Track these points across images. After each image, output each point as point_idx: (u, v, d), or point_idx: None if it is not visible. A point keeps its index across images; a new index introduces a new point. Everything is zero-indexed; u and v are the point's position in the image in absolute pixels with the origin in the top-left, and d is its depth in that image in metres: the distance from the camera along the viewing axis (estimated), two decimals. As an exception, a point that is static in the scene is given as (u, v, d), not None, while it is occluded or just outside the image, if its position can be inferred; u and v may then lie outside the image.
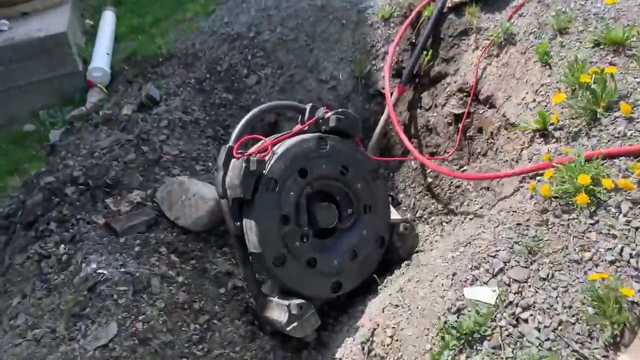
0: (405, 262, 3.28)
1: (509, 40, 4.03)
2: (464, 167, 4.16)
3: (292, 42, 5.15)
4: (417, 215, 4.21)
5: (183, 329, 3.27)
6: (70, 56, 6.44)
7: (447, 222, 3.96)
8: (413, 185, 4.44)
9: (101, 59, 6.39)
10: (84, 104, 6.05)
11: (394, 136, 4.75)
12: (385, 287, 3.24)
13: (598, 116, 2.99)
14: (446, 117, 4.33)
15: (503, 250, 2.66)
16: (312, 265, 3.15)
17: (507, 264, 2.59)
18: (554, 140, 3.24)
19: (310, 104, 3.47)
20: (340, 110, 3.35)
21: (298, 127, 3.49)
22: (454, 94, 4.33)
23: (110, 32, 7.18)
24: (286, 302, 2.99)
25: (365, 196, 3.38)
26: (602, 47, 3.42)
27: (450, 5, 4.47)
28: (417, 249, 3.60)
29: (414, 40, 4.68)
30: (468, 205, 3.92)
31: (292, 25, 5.23)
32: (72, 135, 5.52)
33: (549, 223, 2.66)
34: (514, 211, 2.86)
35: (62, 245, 3.78)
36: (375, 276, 3.34)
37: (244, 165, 2.94)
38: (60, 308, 3.35)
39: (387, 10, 4.81)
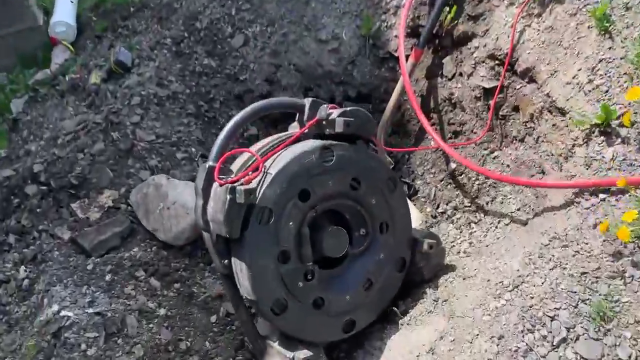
0: (433, 296, 2.71)
1: (555, -4, 3.22)
2: (495, 153, 3.49)
3: (283, -9, 4.29)
4: (439, 210, 3.59)
5: (169, 378, 2.78)
6: (28, 8, 5.53)
7: (475, 223, 3.35)
8: (433, 170, 3.78)
9: (65, 10, 5.48)
10: (48, 65, 5.26)
11: (410, 109, 4.02)
12: (408, 324, 2.69)
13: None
14: (474, 90, 3.59)
15: (564, 309, 2.08)
16: (319, 306, 2.59)
17: (572, 330, 2.02)
18: (620, 140, 2.57)
19: (310, 99, 2.75)
20: (349, 109, 2.63)
21: (295, 130, 2.80)
22: (483, 61, 3.56)
23: (73, -26, 6.20)
24: (290, 355, 2.45)
25: (381, 212, 2.75)
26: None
27: (479, -53, 3.58)
28: (444, 263, 3.02)
29: (432, -8, 3.83)
30: (502, 202, 3.29)
31: (283, -31, 4.33)
32: (36, 107, 4.80)
33: (627, 276, 2.05)
34: (575, 252, 2.24)
35: (23, 267, 3.21)
36: (395, 309, 2.79)
37: (228, 197, 2.28)
38: (22, 352, 2.83)
39: (398, -47, 3.93)
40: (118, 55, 4.43)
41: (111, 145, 3.74)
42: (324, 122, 2.67)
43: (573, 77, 2.97)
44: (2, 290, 3.13)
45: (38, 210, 3.46)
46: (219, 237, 2.44)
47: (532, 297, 2.19)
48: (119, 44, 4.83)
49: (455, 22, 3.70)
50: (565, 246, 2.32)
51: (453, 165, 3.64)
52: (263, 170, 2.47)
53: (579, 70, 2.95)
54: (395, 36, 3.98)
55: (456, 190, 3.60)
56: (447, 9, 3.68)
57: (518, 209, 3.15)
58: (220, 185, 2.36)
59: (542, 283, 2.22)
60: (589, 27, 3.01)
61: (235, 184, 2.34)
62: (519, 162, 3.29)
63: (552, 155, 3.03)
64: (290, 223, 2.47)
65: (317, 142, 2.59)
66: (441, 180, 3.71)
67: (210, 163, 2.48)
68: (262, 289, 2.43)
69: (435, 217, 3.57)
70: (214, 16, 4.43)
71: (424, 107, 3.86)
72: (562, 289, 2.13)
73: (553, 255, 2.31)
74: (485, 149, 3.55)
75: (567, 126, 2.95)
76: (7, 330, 2.97)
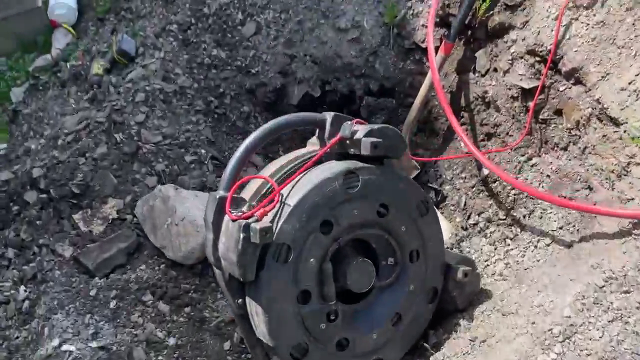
0: (469, 334, 2.45)
1: (608, -14, 2.83)
2: (534, 160, 3.17)
3: (299, -26, 3.90)
4: (470, 221, 3.30)
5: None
6: (25, -12, 5.19)
7: (511, 239, 3.07)
8: (463, 175, 3.47)
9: (65, -10, 5.14)
10: (49, 50, 4.95)
11: (437, 106, 3.68)
12: (439, 363, 2.45)
13: None
14: (510, 89, 3.24)
15: (628, 375, 1.81)
16: (343, 348, 2.36)
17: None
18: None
19: (332, 113, 2.43)
20: (376, 127, 2.32)
21: (314, 147, 2.50)
22: (521, 57, 3.20)
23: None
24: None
25: (411, 240, 2.47)
26: None
27: None
28: (479, 289, 2.75)
29: (465, -24, 3.43)
30: (541, 218, 2.99)
31: (298, -51, 3.93)
32: (36, 97, 4.53)
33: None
34: (638, 303, 1.96)
35: (23, 287, 2.99)
36: (426, 345, 2.54)
37: (242, 236, 2.02)
38: (24, 385, 2.64)
39: None
40: (121, 44, 4.12)
41: (115, 148, 3.46)
42: (347, 141, 2.37)
43: (629, 83, 2.63)
44: (1, 312, 2.92)
45: (38, 222, 3.22)
46: (232, 275, 2.19)
47: (588, 354, 1.92)
48: (122, 29, 4.50)
49: (491, 12, 3.32)
50: (627, 292, 2.03)
51: (486, 171, 3.33)
52: (280, 200, 2.18)
53: (637, 75, 2.60)
54: (423, 25, 3.61)
55: (489, 199, 3.30)
56: (482, -3, 3.30)
57: (560, 228, 2.85)
58: (233, 220, 2.08)
59: (600, 337, 1.95)
60: (649, 24, 2.64)
61: (249, 219, 2.07)
62: (562, 174, 2.97)
63: (602, 170, 2.72)
64: (311, 259, 2.21)
65: (341, 166, 2.29)
66: (472, 187, 3.41)
67: (220, 193, 2.21)
68: (280, 333, 2.19)
69: (465, 228, 3.29)
70: (222, 1, 4.07)
71: (454, 105, 3.52)
72: (625, 349, 1.86)
73: (611, 303, 2.03)
74: (522, 155, 3.23)
75: (621, 139, 2.62)
76: (8, 358, 2.77)
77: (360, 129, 2.34)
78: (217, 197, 2.19)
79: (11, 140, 4.35)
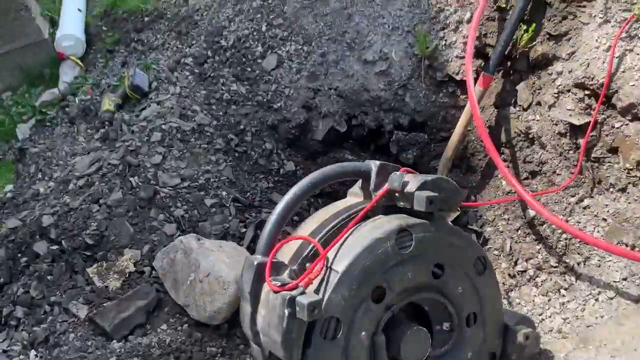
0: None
1: (668, 15, 2.61)
2: (585, 201, 2.92)
3: (321, 3, 3.70)
4: (518, 268, 3.04)
5: None
6: (31, 19, 5.01)
7: (566, 290, 2.81)
8: (506, 216, 3.22)
9: (72, 21, 4.96)
10: (56, 83, 4.76)
11: (474, 141, 3.45)
12: None
13: None
14: (557, 124, 3.01)
15: None
16: None
17: None
18: None
19: (378, 162, 2.19)
20: (429, 179, 2.08)
21: (356, 198, 2.26)
22: (568, 91, 2.97)
23: (80, -24, 5.65)
24: None
25: (468, 302, 2.21)
26: None
27: (565, -49, 2.96)
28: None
29: (503, 4, 3.21)
30: (600, 267, 2.73)
31: (320, -23, 3.73)
32: (43, 134, 4.31)
33: None
34: None
35: (33, 352, 2.73)
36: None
37: (286, 312, 1.76)
38: None
39: (461, -44, 3.31)
40: (133, 78, 3.91)
41: (130, 194, 3.23)
42: (396, 194, 2.12)
43: (700, 122, 2.39)
44: (10, 381, 2.66)
45: (49, 277, 2.98)
46: (273, 353, 1.93)
47: None
48: (134, 62, 4.30)
49: (533, 42, 3.10)
50: None
51: (532, 213, 3.09)
52: (326, 264, 1.94)
53: None
54: (457, 57, 3.39)
55: (537, 244, 3.04)
56: (523, 26, 3.08)
57: (624, 279, 2.60)
58: (275, 292, 1.83)
59: None
60: None
61: (294, 291, 1.81)
62: (621, 218, 2.72)
63: (671, 217, 2.47)
64: (363, 333, 1.95)
65: (392, 224, 2.04)
66: (517, 230, 3.15)
67: (258, 258, 1.96)
68: (328, 416, 1.92)
69: (513, 276, 3.03)
70: (241, 32, 3.87)
71: (493, 141, 3.27)
72: None
73: None
74: (572, 196, 2.98)
75: (693, 184, 2.38)
76: None
77: (412, 181, 2.10)
78: (255, 263, 1.94)
79: (18, 181, 4.12)
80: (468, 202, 3.29)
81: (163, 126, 3.52)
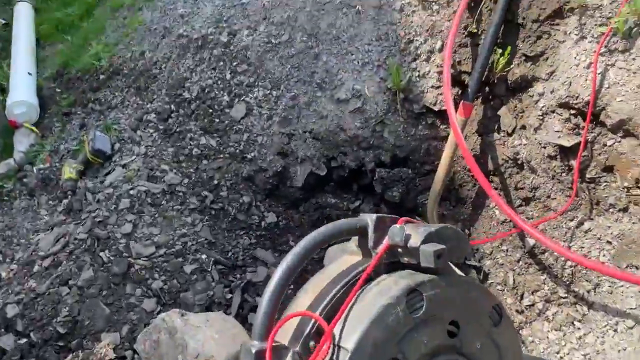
0: None
1: (646, 27, 2.54)
2: (586, 225, 2.79)
3: (285, 45, 3.55)
4: (525, 302, 2.88)
5: None
6: (-21, 88, 4.75)
7: (580, 322, 2.64)
8: (504, 247, 3.07)
9: (22, 86, 4.72)
10: (10, 154, 4.47)
11: (460, 171, 3.31)
12: None
13: None
14: (545, 147, 2.89)
15: None
16: None
17: None
18: None
19: (374, 216, 2.00)
20: (433, 229, 1.89)
21: (353, 257, 2.06)
22: (553, 111, 2.87)
23: (28, 36, 5.42)
24: None
25: (488, 357, 2.01)
26: None
27: (532, -28, 2.89)
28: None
29: (474, 29, 3.12)
30: (612, 293, 2.59)
31: (281, 19, 3.60)
32: (1, 211, 4.00)
33: None
34: None
35: None
36: None
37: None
38: None
39: (425, -16, 3.22)
40: (94, 142, 3.68)
41: (102, 270, 2.96)
42: (399, 250, 1.93)
43: (698, 133, 2.29)
44: None
45: (18, 378, 2.66)
46: None
47: None
48: (93, 124, 4.07)
49: (509, 65, 3.00)
50: None
51: (532, 242, 2.94)
52: (332, 342, 1.72)
53: None
54: (432, 87, 3.27)
55: (542, 274, 2.89)
56: (497, 49, 2.98)
57: (641, 305, 2.45)
58: (278, 382, 1.60)
59: None
60: None
61: (302, 380, 1.59)
62: (627, 240, 2.59)
63: (682, 235, 2.34)
64: (380, 416, 1.73)
65: (399, 285, 1.84)
66: (518, 261, 3.00)
67: (256, 344, 1.73)
68: None
69: (521, 312, 2.86)
70: (204, 82, 3.68)
71: (481, 170, 3.14)
72: None
73: None
74: (571, 220, 2.85)
75: (701, 199, 2.26)
76: None
77: (414, 233, 1.91)
78: (254, 351, 1.71)
79: (-24, 266, 3.79)
80: (473, 241, 3.11)
81: (131, 191, 3.28)
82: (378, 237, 2.00)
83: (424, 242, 1.87)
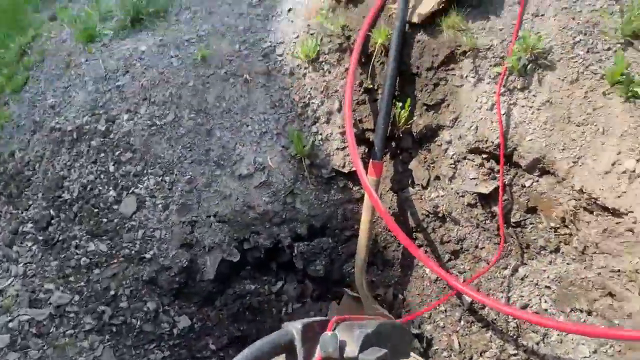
0: None
1: (539, 64, 2.50)
2: (521, 271, 2.65)
3: (172, 126, 3.23)
4: (476, 367, 2.65)
5: None
6: None
7: (539, 381, 2.45)
8: (442, 308, 2.85)
9: None
10: None
11: (382, 233, 3.09)
12: None
13: None
14: (463, 196, 2.75)
15: None
16: None
17: None
18: None
19: (299, 325, 1.68)
20: (370, 331, 1.62)
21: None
22: (464, 158, 2.75)
23: None
24: None
25: None
26: None
27: (417, 21, 2.80)
28: None
29: (369, 85, 2.98)
30: (562, 342, 2.42)
31: (163, 97, 3.28)
32: None
33: None
34: None
35: None
36: None
37: None
38: None
39: (312, 45, 3.04)
40: (-41, 268, 3.08)
41: None
42: (334, 362, 1.62)
43: (613, 164, 2.22)
44: None
45: None
46: None
47: None
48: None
49: (412, 117, 2.87)
50: None
51: (469, 298, 2.74)
52: None
53: (618, 153, 2.21)
54: (337, 149, 3.07)
55: (487, 330, 2.69)
56: (397, 103, 2.85)
57: (594, 352, 2.29)
58: None
59: None
60: (605, 93, 2.30)
61: None
62: (566, 282, 2.46)
63: (619, 272, 2.23)
64: None
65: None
66: (459, 321, 2.79)
67: None
68: None
69: (475, 378, 2.62)
70: (85, 179, 3.25)
71: (403, 228, 2.94)
72: None
73: None
74: (504, 268, 2.70)
75: (631, 231, 2.17)
76: None
77: (349, 340, 1.62)
78: None
79: None
80: (410, 316, 2.85)
81: (10, 324, 2.74)
82: (308, 349, 1.68)
83: (362, 348, 1.57)
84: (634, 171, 2.14)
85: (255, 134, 3.13)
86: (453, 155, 2.77)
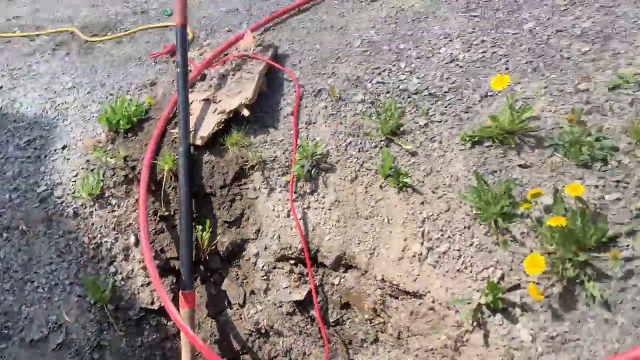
0: None
1: (321, 167, 2.65)
2: (350, 368, 2.65)
3: None
4: None
5: None
6: None
7: None
8: None
9: None
10: None
11: (207, 364, 2.87)
12: None
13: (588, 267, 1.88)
14: (281, 306, 2.71)
15: None
16: None
17: None
18: (532, 317, 2.02)
19: None
20: None
21: None
22: (274, 268, 2.73)
23: None
24: None
25: None
26: (489, 144, 2.36)
27: (200, 143, 2.80)
28: None
29: (164, 212, 2.85)
30: None
31: None
32: None
33: None
34: None
35: None
36: None
37: None
38: None
39: (93, 181, 2.83)
40: None
41: None
42: None
43: (403, 250, 2.39)
44: None
45: None
46: None
47: None
48: None
49: (215, 237, 2.80)
50: None
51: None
52: None
53: (405, 239, 2.39)
54: (142, 285, 2.84)
55: None
56: (197, 226, 2.76)
57: None
58: None
59: None
60: (382, 186, 2.51)
61: None
62: (396, 370, 2.51)
63: (432, 350, 2.35)
64: None
65: None
66: None
67: None
68: None
69: None
70: None
71: (227, 354, 2.79)
72: None
73: None
74: (335, 369, 2.67)
75: (433, 310, 2.31)
76: None
77: None
78: None
79: None
80: None
81: None
82: None
83: None
84: (421, 254, 2.32)
85: (44, 289, 2.76)
86: (263, 267, 2.74)
